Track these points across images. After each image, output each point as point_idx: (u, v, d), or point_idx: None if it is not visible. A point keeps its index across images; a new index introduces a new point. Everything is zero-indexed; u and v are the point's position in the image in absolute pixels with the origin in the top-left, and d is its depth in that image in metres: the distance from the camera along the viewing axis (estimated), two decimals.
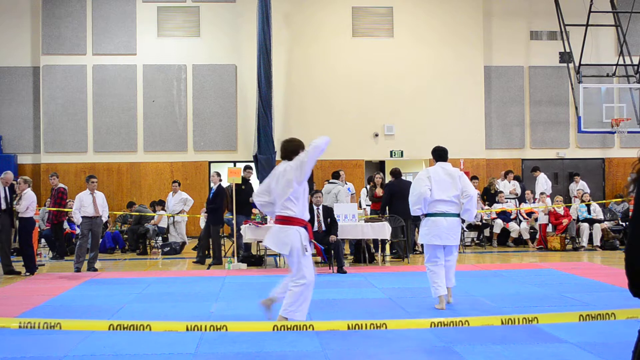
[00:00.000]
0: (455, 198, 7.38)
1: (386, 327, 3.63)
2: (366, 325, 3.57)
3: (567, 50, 18.11)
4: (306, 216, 6.14)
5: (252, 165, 15.25)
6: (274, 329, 3.60)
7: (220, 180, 12.88)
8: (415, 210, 7.48)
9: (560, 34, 18.31)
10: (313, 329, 3.73)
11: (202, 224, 14.21)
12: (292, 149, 6.18)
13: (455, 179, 7.44)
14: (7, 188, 11.09)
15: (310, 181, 13.42)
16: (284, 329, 3.62)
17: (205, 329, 3.60)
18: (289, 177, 6.02)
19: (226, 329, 3.58)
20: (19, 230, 11.66)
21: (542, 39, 19.76)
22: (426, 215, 7.45)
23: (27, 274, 11.15)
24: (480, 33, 19.32)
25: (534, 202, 15.75)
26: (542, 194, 15.70)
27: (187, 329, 3.57)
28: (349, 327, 3.57)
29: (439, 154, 7.64)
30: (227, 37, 18.84)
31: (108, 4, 18.63)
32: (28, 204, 11.46)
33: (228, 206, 13.81)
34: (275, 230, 6.15)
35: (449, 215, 7.37)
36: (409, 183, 10.81)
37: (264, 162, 17.21)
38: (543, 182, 16.85)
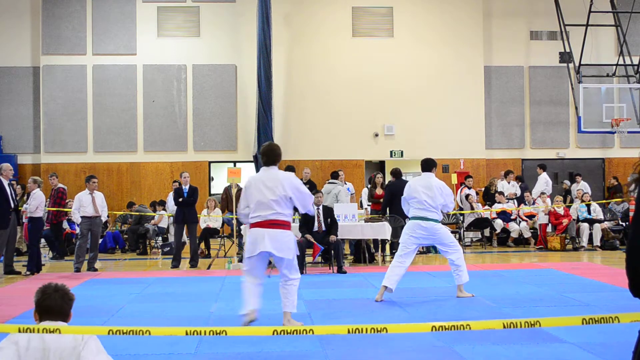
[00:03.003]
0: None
1: (387, 331, 3.61)
2: (367, 329, 3.54)
3: (567, 50, 18.09)
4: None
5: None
6: (273, 333, 3.56)
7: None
8: None
9: (560, 34, 18.29)
10: (313, 333, 3.71)
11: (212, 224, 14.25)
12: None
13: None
14: (10, 185, 11.11)
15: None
16: (284, 333, 3.59)
17: (205, 334, 3.56)
18: None
19: (226, 334, 3.54)
20: (30, 230, 11.83)
21: (542, 39, 19.75)
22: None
23: (28, 273, 11.16)
24: (480, 33, 19.30)
25: (533, 204, 15.74)
26: (542, 194, 15.69)
27: (187, 334, 3.55)
28: (349, 331, 3.55)
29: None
30: (227, 37, 18.83)
31: (108, 4, 18.62)
32: (37, 203, 11.55)
33: (228, 206, 13.80)
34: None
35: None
36: None
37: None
38: (543, 183, 16.80)
